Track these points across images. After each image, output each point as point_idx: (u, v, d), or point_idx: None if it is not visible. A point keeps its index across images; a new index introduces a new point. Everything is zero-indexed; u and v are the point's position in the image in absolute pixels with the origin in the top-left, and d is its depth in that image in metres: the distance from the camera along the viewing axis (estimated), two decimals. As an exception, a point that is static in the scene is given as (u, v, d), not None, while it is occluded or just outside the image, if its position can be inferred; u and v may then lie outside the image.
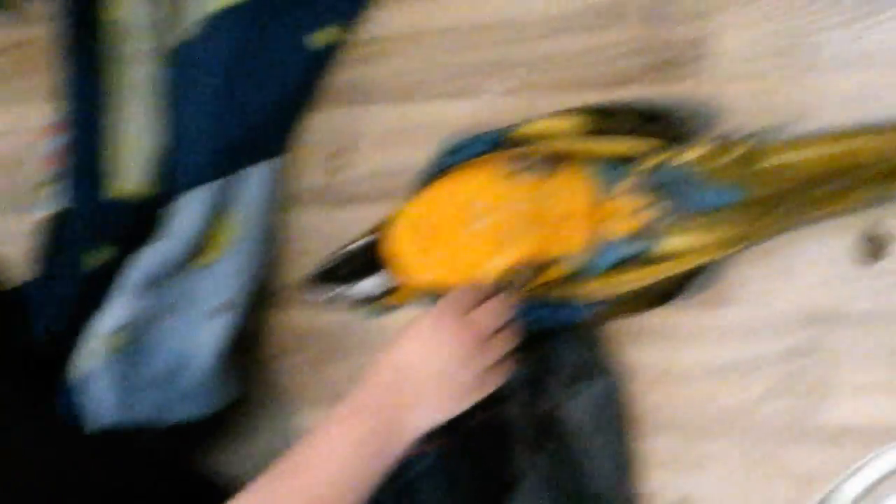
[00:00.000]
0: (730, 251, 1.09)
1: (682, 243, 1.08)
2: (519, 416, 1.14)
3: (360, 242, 1.20)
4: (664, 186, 1.08)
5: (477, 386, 1.00)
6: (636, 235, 1.09)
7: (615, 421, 1.14)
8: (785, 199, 1.06)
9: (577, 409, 1.14)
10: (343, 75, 1.32)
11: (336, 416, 0.98)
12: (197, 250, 1.29)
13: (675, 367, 1.14)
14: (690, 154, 1.08)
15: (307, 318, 1.32)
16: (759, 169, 1.06)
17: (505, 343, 1.02)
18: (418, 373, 0.98)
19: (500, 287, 1.06)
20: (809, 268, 1.10)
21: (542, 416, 1.14)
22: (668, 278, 1.10)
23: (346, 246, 1.21)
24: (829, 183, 1.05)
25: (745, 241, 1.08)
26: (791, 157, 1.06)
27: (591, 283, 1.12)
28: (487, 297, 1.03)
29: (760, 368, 1.11)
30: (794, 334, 1.10)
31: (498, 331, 1.02)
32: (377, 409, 0.98)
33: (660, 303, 1.13)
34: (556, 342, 1.15)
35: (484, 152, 1.13)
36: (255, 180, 1.31)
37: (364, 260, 1.19)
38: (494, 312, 1.03)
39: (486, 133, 1.15)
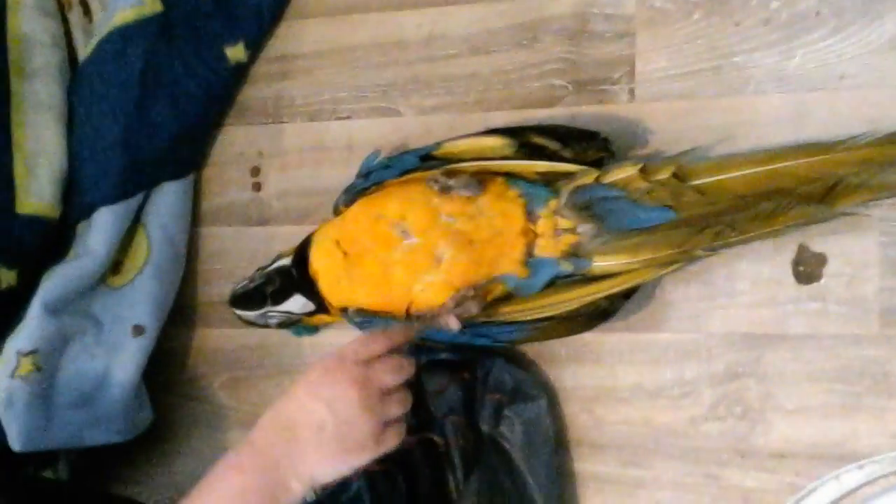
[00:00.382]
0: (662, 272, 1.02)
1: (613, 264, 1.02)
2: (452, 437, 1.06)
3: (283, 262, 1.13)
4: (592, 206, 1.01)
5: (373, 442, 0.91)
6: (567, 255, 1.03)
7: (550, 442, 1.06)
8: (715, 220, 0.99)
9: (512, 430, 1.06)
10: (260, 91, 1.24)
11: (226, 462, 0.91)
12: (111, 269, 1.20)
13: (610, 388, 1.08)
14: (617, 174, 1.01)
15: (229, 337, 1.24)
16: (688, 189, 0.99)
17: (404, 400, 0.94)
18: (309, 425, 0.90)
19: (406, 334, 0.98)
20: (744, 289, 1.04)
21: (476, 438, 1.07)
22: (603, 298, 1.03)
23: (268, 265, 1.14)
24: (761, 203, 0.98)
25: (677, 261, 1.02)
26: (720, 176, 0.99)
27: (526, 304, 1.05)
28: (391, 348, 0.95)
29: (696, 390, 1.05)
30: (729, 356, 1.04)
31: (399, 387, 0.94)
32: (264, 463, 0.90)
33: (595, 323, 1.05)
34: (490, 363, 1.07)
35: (409, 170, 1.06)
36: (169, 197, 1.23)
37: (287, 280, 1.12)
38: (396, 367, 0.94)
39: (411, 151, 1.08)
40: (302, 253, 1.10)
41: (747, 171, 0.98)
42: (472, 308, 1.03)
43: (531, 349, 1.10)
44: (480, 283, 1.03)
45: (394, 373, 0.94)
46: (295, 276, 1.11)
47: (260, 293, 1.13)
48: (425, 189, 1.04)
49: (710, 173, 0.99)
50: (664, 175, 0.99)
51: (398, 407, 0.94)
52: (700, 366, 1.06)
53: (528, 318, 1.05)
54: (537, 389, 1.07)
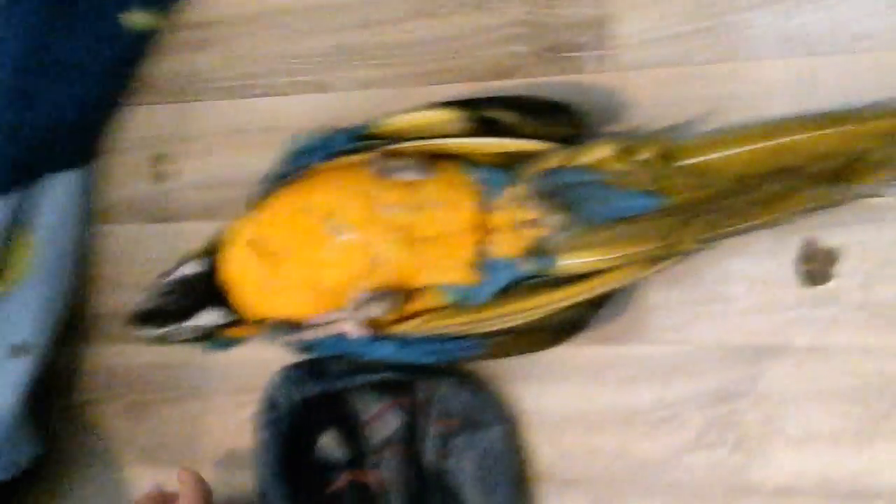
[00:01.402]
0: (643, 273, 0.93)
1: (585, 263, 0.92)
2: (395, 472, 0.99)
3: (191, 268, 1.04)
4: (560, 194, 0.92)
5: None
6: (528, 254, 0.95)
7: (510, 476, 0.97)
8: (707, 207, 0.89)
9: (462, 464, 0.98)
10: (166, 65, 1.15)
11: None
12: None
13: (581, 412, 0.98)
14: (590, 155, 0.91)
15: (128, 354, 1.16)
16: (676, 171, 0.90)
17: None
18: None
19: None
20: (738, 293, 0.95)
21: (419, 474, 0.99)
22: (572, 307, 0.96)
23: (173, 271, 1.05)
24: (761, 186, 0.89)
25: (661, 259, 0.93)
26: (714, 156, 0.90)
27: (480, 313, 0.96)
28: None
29: (682, 414, 0.96)
30: (721, 373, 0.94)
31: None
32: None
33: (563, 337, 0.95)
34: (436, 383, 0.99)
35: (339, 154, 0.96)
36: (57, 191, 1.13)
37: (196, 289, 1.03)
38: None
39: (341, 130, 0.97)
40: (211, 255, 1.02)
41: (746, 148, 0.89)
42: (377, 310, 0.94)
43: (484, 367, 1.00)
44: (421, 288, 0.96)
45: None
46: (203, 284, 1.02)
47: (163, 309, 1.04)
48: (360, 175, 0.96)
49: (702, 152, 0.90)
50: (648, 154, 0.90)
51: None
52: (686, 384, 0.95)
53: (480, 331, 0.97)
54: (492, 415, 0.97)
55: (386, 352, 0.98)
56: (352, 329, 0.96)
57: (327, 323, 0.97)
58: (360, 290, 0.95)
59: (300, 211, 0.97)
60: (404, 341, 0.97)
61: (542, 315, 0.95)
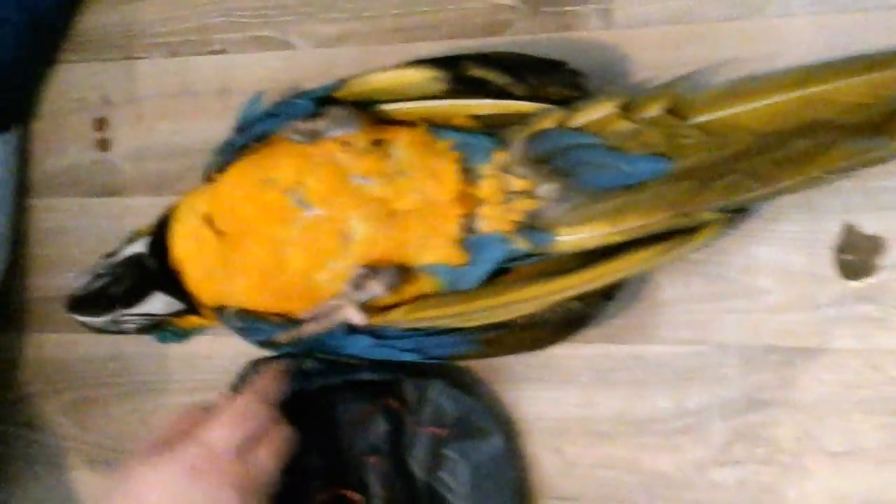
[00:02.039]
0: (658, 259, 0.86)
1: (586, 238, 0.85)
2: (380, 482, 0.94)
3: (136, 247, 0.98)
4: (554, 159, 0.85)
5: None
6: (521, 229, 0.87)
7: (507, 490, 0.93)
8: (725, 169, 0.82)
9: (455, 475, 0.92)
10: (104, 16, 1.10)
11: None
12: None
13: (585, 418, 0.93)
14: (589, 114, 0.83)
15: (72, 344, 1.10)
16: (687, 129, 0.82)
17: (272, 446, 0.82)
18: None
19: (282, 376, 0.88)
20: (767, 286, 0.88)
21: (407, 486, 0.94)
22: (576, 299, 0.88)
23: (119, 251, 0.99)
24: (787, 143, 0.81)
25: (675, 235, 0.85)
26: (730, 111, 0.82)
27: (471, 303, 0.89)
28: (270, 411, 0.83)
29: (703, 424, 0.90)
30: (748, 377, 0.89)
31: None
32: None
33: (566, 333, 0.89)
34: (425, 385, 0.93)
35: (304, 118, 0.90)
36: None
37: (141, 273, 0.97)
38: (280, 446, 0.82)
39: (305, 93, 0.92)
40: (160, 234, 0.96)
41: (768, 101, 0.82)
42: (377, 287, 0.88)
43: (479, 366, 0.95)
44: (401, 271, 0.89)
45: (278, 457, 0.81)
46: (151, 266, 0.97)
47: (106, 293, 0.98)
48: (325, 143, 0.89)
49: (717, 106, 0.83)
50: (655, 111, 0.83)
51: (265, 456, 0.82)
52: (708, 390, 0.90)
53: (470, 324, 0.89)
54: (489, 421, 0.92)
55: (362, 346, 0.91)
56: (354, 315, 0.89)
57: (327, 312, 0.90)
58: (355, 267, 0.89)
59: (261, 182, 0.90)
60: (382, 335, 0.91)
61: (541, 307, 0.89)
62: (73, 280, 1.01)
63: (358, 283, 0.88)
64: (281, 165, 0.90)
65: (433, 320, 0.90)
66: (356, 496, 0.94)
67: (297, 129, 0.89)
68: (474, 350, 0.91)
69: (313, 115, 0.88)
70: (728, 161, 0.83)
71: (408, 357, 0.92)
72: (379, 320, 0.90)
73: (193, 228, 0.94)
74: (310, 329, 0.90)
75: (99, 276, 0.99)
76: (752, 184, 0.83)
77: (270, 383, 0.87)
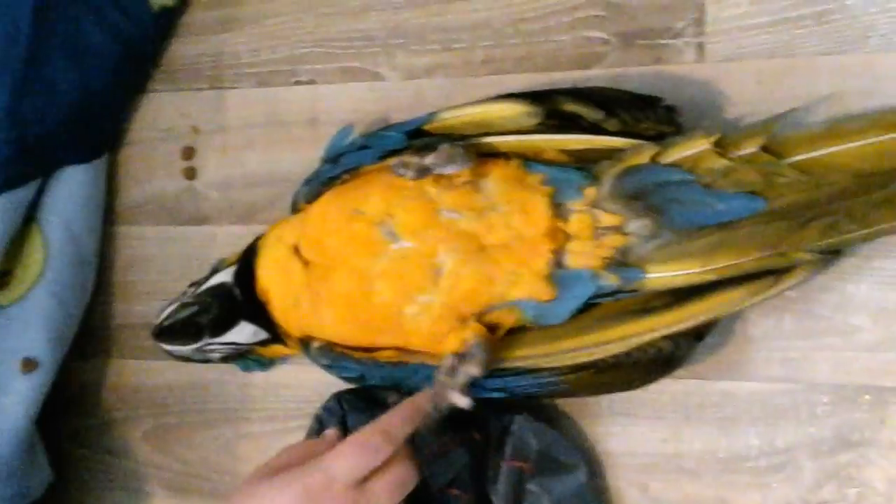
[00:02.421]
0: (752, 298, 0.84)
1: (678, 276, 0.84)
2: None
3: (221, 277, 0.98)
4: (646, 196, 0.84)
5: None
6: (611, 266, 0.86)
7: None
8: (823, 210, 0.80)
9: None
10: (195, 46, 1.10)
11: None
12: None
13: (671, 455, 0.92)
14: (682, 150, 0.83)
15: (154, 371, 1.10)
16: (785, 167, 0.81)
17: (390, 488, 0.80)
18: None
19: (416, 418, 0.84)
20: (862, 324, 0.86)
21: None
22: (665, 339, 0.86)
23: (203, 280, 0.99)
24: (887, 185, 0.79)
25: (768, 275, 0.83)
26: (831, 149, 0.80)
27: (551, 345, 0.88)
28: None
29: (793, 462, 0.89)
30: (840, 416, 0.87)
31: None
32: None
33: (657, 374, 0.87)
34: (509, 419, 0.92)
35: (392, 152, 0.90)
36: (73, 187, 1.07)
37: (228, 302, 0.97)
38: (399, 484, 0.80)
39: (395, 126, 0.92)
40: (247, 264, 0.95)
41: (868, 141, 0.80)
42: (475, 369, 0.86)
43: (565, 400, 0.95)
44: (489, 309, 0.88)
45: (396, 493, 0.79)
46: (238, 296, 0.96)
47: (193, 323, 0.98)
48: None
49: (814, 145, 0.81)
50: (750, 149, 0.81)
51: (384, 497, 0.79)
52: (798, 429, 0.89)
53: (558, 364, 0.88)
54: (574, 456, 0.91)
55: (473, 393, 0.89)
56: (459, 399, 0.87)
57: (428, 398, 0.88)
58: (444, 355, 0.88)
59: (351, 214, 0.90)
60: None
61: (628, 348, 0.87)
62: (160, 309, 1.02)
63: (451, 371, 0.87)
64: (371, 197, 0.90)
65: (520, 360, 0.89)
66: None
67: (406, 163, 0.88)
68: (561, 390, 0.90)
69: (423, 150, 0.87)
70: (824, 201, 0.82)
71: (495, 395, 0.91)
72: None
73: (281, 258, 0.94)
74: (417, 421, 0.87)
75: (185, 305, 0.99)
76: (849, 225, 0.81)
77: (399, 420, 0.85)
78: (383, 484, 0.80)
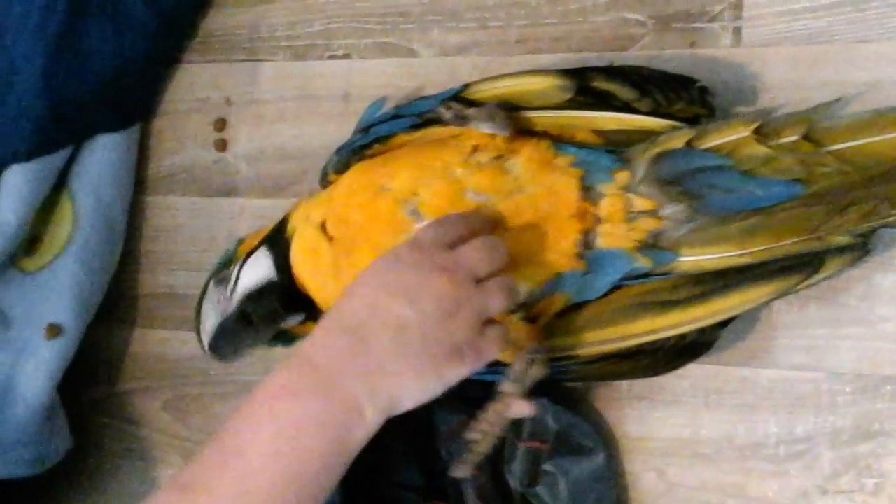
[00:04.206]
0: (776, 294, 0.85)
1: (712, 258, 0.85)
2: (476, 493, 0.94)
3: (262, 272, 0.94)
4: (684, 180, 0.85)
5: (470, 349, 0.77)
6: (644, 248, 0.86)
7: None
8: (861, 195, 0.81)
9: (555, 492, 0.92)
10: (230, 17, 1.12)
11: (270, 389, 0.74)
12: (23, 248, 1.08)
13: (689, 440, 0.93)
14: (721, 136, 0.84)
15: (177, 342, 1.12)
16: (827, 156, 0.82)
17: (506, 288, 0.80)
18: (384, 326, 0.75)
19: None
20: (887, 314, 0.87)
21: (507, 498, 0.94)
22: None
23: (230, 276, 0.95)
24: None
25: (797, 270, 0.84)
26: (872, 139, 0.82)
27: (584, 335, 0.89)
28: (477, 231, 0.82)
29: (812, 451, 0.89)
30: (861, 406, 0.88)
31: (496, 273, 0.80)
32: (326, 383, 0.74)
33: (681, 361, 0.89)
34: (531, 399, 0.88)
35: (425, 124, 0.91)
36: (104, 154, 1.10)
37: (278, 297, 0.94)
38: (489, 247, 0.80)
39: (425, 98, 0.93)
40: (282, 251, 0.93)
41: None
42: (538, 373, 0.87)
43: (585, 383, 0.96)
44: (536, 294, 0.88)
45: (488, 253, 0.79)
46: (283, 290, 0.94)
47: (248, 326, 0.95)
48: (445, 154, 0.89)
49: (855, 135, 0.82)
50: (791, 137, 0.82)
51: (497, 297, 0.79)
52: (819, 417, 0.89)
53: (584, 354, 0.89)
54: (593, 439, 0.92)
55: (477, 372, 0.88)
56: (524, 407, 0.88)
57: (498, 415, 0.89)
58: (515, 359, 0.87)
59: (376, 190, 0.90)
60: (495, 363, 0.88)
61: (654, 339, 0.88)
62: (186, 281, 1.05)
63: (520, 376, 0.88)
64: (398, 174, 0.90)
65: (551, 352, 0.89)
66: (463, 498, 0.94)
67: (449, 105, 0.88)
68: (583, 376, 0.92)
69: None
70: (863, 186, 0.83)
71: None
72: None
73: (310, 239, 0.93)
74: (477, 435, 0.89)
75: (222, 302, 0.97)
76: (889, 210, 0.82)
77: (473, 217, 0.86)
78: (474, 245, 0.80)
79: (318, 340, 0.77)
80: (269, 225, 0.97)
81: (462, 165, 0.88)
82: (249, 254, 0.94)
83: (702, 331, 0.87)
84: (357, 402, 0.74)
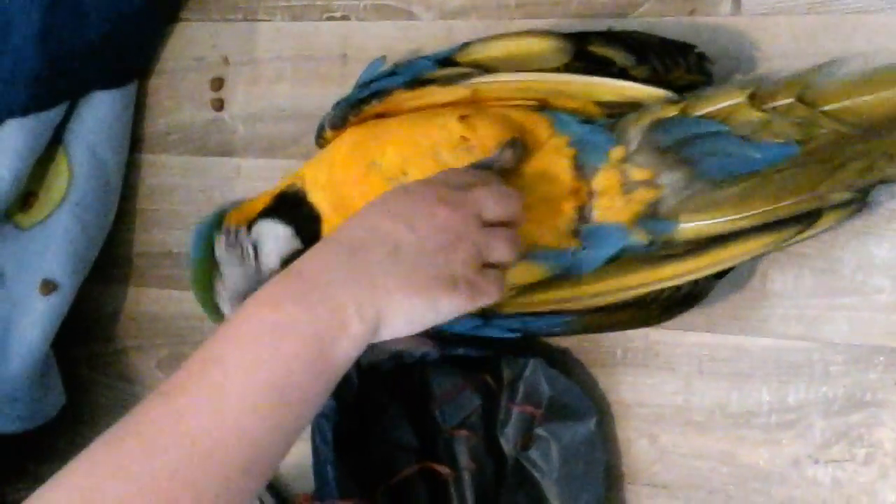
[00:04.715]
0: (773, 246, 0.85)
1: (711, 223, 0.85)
2: (463, 461, 0.94)
3: (284, 243, 0.93)
4: (680, 148, 0.85)
5: (465, 285, 0.74)
6: (642, 219, 0.86)
7: (598, 478, 0.91)
8: (857, 151, 0.81)
9: (547, 456, 0.92)
10: None
11: (257, 300, 0.72)
12: (18, 203, 1.07)
13: (682, 407, 0.93)
14: (715, 102, 0.84)
15: (171, 300, 1.12)
16: (822, 117, 0.82)
17: (512, 239, 0.78)
18: (381, 243, 0.73)
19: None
20: (881, 285, 0.87)
21: (496, 463, 0.94)
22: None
23: (244, 243, 0.95)
24: None
25: (798, 221, 0.84)
26: (865, 98, 0.81)
27: (575, 289, 0.89)
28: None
29: (804, 420, 0.89)
30: (853, 376, 0.88)
31: (506, 222, 0.79)
32: (312, 294, 0.71)
33: (676, 312, 0.89)
34: (523, 362, 0.93)
35: (422, 82, 0.90)
36: (100, 111, 1.09)
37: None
38: (501, 193, 0.79)
39: (424, 57, 0.92)
40: (301, 217, 0.93)
41: None
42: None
43: (578, 348, 0.95)
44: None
45: (500, 199, 0.78)
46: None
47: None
48: (436, 129, 0.89)
49: (849, 93, 0.81)
50: (785, 100, 0.82)
51: (504, 245, 0.78)
52: (811, 386, 0.89)
53: (578, 306, 0.89)
54: (585, 405, 0.91)
55: (468, 327, 0.90)
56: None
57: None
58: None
59: (368, 165, 0.90)
60: (485, 317, 0.90)
61: (648, 291, 0.88)
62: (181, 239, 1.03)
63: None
64: (389, 149, 0.90)
65: (541, 305, 0.90)
66: (444, 470, 0.94)
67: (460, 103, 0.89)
68: (578, 328, 0.91)
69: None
70: (860, 141, 0.82)
71: (511, 335, 0.91)
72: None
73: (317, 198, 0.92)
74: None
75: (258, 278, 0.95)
76: (886, 164, 0.82)
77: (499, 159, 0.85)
78: (485, 188, 0.79)
79: (312, 254, 0.75)
80: (257, 197, 0.96)
81: (449, 149, 0.88)
82: (253, 221, 0.94)
83: (695, 282, 0.87)
84: (343, 312, 0.71)
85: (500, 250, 0.77)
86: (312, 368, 0.70)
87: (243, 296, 0.91)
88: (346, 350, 0.71)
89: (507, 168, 0.85)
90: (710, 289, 0.88)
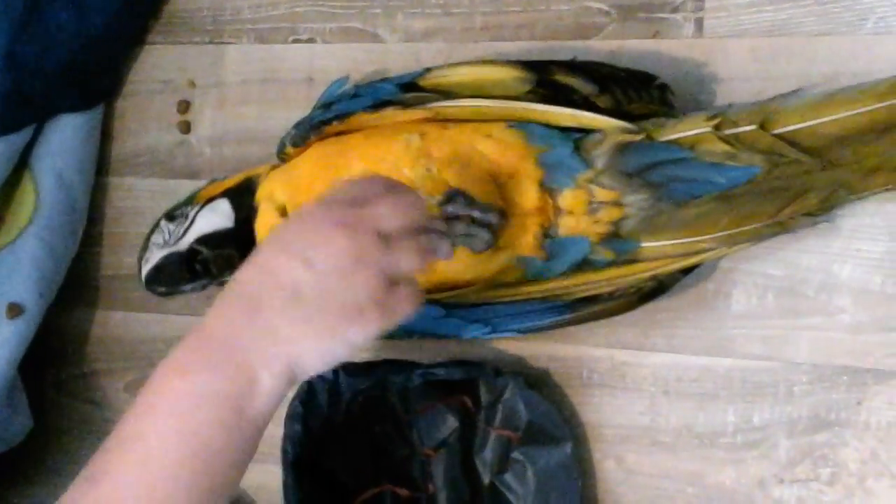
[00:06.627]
0: (737, 244, 0.86)
1: (673, 243, 0.87)
2: (438, 483, 0.94)
3: (218, 219, 0.96)
4: (647, 172, 0.86)
5: (374, 307, 0.73)
6: (605, 239, 0.88)
7: (571, 499, 0.91)
8: (821, 180, 0.84)
9: (522, 480, 0.92)
10: (195, 2, 1.10)
11: (163, 369, 0.72)
12: None
13: (647, 428, 0.93)
14: (683, 129, 0.85)
15: (139, 323, 1.11)
16: (787, 147, 0.83)
17: (416, 249, 0.76)
18: (278, 289, 0.72)
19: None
20: (844, 305, 0.88)
21: (472, 487, 0.94)
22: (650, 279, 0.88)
23: (179, 211, 0.97)
24: (875, 142, 0.83)
25: (754, 234, 0.86)
26: (820, 119, 0.83)
27: (545, 284, 0.90)
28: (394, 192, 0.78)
29: (769, 440, 0.90)
30: (817, 396, 0.88)
31: (408, 232, 0.76)
32: (217, 354, 0.71)
33: (638, 304, 0.90)
34: (503, 383, 0.93)
35: (384, 102, 0.90)
36: (67, 134, 1.09)
37: (223, 249, 0.95)
38: (400, 204, 0.76)
39: (389, 79, 0.93)
40: (245, 207, 0.94)
41: (861, 111, 0.83)
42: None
43: (542, 367, 0.96)
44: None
45: (399, 209, 0.75)
46: (235, 242, 0.95)
47: (188, 268, 0.96)
48: (400, 145, 0.89)
49: (806, 115, 0.83)
50: (748, 126, 0.83)
51: (408, 257, 0.75)
52: (775, 407, 0.90)
53: (542, 297, 0.90)
54: (562, 429, 0.91)
55: (430, 317, 0.90)
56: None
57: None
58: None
59: (333, 182, 0.87)
60: (450, 305, 0.90)
61: (612, 288, 0.90)
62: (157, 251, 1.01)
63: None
64: (355, 164, 0.90)
65: (504, 297, 0.91)
66: (403, 492, 0.94)
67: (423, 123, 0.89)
68: (565, 319, 0.91)
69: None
70: (820, 172, 0.84)
71: (475, 330, 0.91)
72: (448, 295, 0.90)
73: (274, 223, 0.93)
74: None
75: (182, 247, 0.97)
76: (846, 195, 0.83)
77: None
78: (383, 201, 0.77)
79: (215, 310, 0.74)
80: (231, 177, 0.97)
81: (410, 165, 0.88)
82: (209, 200, 0.95)
83: (660, 282, 0.89)
84: (251, 370, 0.71)
85: (405, 261, 0.75)
86: (231, 430, 0.70)
87: (158, 261, 0.94)
88: (260, 406, 0.71)
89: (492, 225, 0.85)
90: (674, 283, 0.89)
